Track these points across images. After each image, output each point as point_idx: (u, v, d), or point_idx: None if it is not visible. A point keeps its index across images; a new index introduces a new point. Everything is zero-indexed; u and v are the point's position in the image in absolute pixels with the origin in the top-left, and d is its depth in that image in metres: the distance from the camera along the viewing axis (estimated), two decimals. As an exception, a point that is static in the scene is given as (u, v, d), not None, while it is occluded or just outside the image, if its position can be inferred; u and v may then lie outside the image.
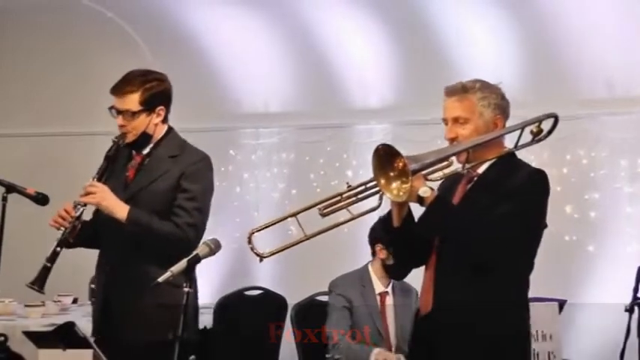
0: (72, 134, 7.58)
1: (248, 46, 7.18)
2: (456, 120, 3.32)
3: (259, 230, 3.32)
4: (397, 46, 6.76)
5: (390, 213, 3.32)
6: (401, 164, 3.12)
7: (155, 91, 3.91)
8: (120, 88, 3.91)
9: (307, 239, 3.30)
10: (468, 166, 3.28)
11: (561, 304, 4.76)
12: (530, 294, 4.63)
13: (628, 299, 5.12)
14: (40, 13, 7.35)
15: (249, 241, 3.27)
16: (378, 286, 4.95)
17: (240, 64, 7.26)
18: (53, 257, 3.80)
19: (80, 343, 3.62)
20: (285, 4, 6.88)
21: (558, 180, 6.40)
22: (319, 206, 3.28)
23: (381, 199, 3.26)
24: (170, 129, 4.01)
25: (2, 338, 4.59)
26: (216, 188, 4.03)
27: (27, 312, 5.43)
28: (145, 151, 3.96)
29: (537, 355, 4.38)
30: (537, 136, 3.30)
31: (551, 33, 6.27)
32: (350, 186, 3.31)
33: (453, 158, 3.27)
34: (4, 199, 4.39)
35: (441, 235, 3.29)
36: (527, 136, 3.30)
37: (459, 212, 3.25)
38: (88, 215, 4.00)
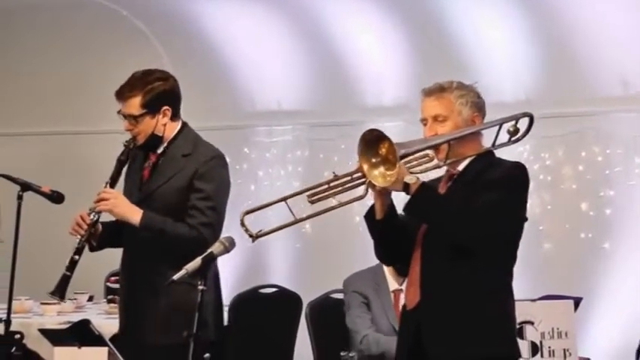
0: (86, 132, 7.61)
1: (261, 43, 7.18)
2: (435, 118, 3.39)
3: (252, 212, 3.36)
4: (411, 43, 6.74)
5: (373, 206, 3.38)
6: (386, 149, 3.19)
7: (157, 92, 3.87)
8: (121, 93, 3.89)
9: (297, 222, 3.38)
10: (447, 162, 3.34)
11: (577, 301, 4.73)
12: (546, 291, 4.62)
13: (644, 296, 5.11)
14: (52, 10, 7.37)
15: (242, 223, 3.30)
16: (392, 284, 4.93)
17: (254, 62, 7.25)
18: (72, 266, 3.81)
19: (95, 340, 3.63)
20: (299, 2, 6.87)
21: (573, 177, 6.38)
22: (307, 193, 3.35)
23: (367, 189, 3.30)
24: (184, 125, 3.99)
25: (18, 336, 4.59)
26: (230, 186, 4.03)
27: (43, 309, 5.45)
28: (159, 150, 3.95)
29: (553, 352, 4.36)
30: (514, 136, 3.40)
31: (565, 31, 6.24)
32: (336, 175, 3.35)
33: (434, 155, 3.35)
34: (20, 197, 4.40)
35: (425, 223, 3.34)
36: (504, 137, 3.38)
37: (444, 200, 3.32)
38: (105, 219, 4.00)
